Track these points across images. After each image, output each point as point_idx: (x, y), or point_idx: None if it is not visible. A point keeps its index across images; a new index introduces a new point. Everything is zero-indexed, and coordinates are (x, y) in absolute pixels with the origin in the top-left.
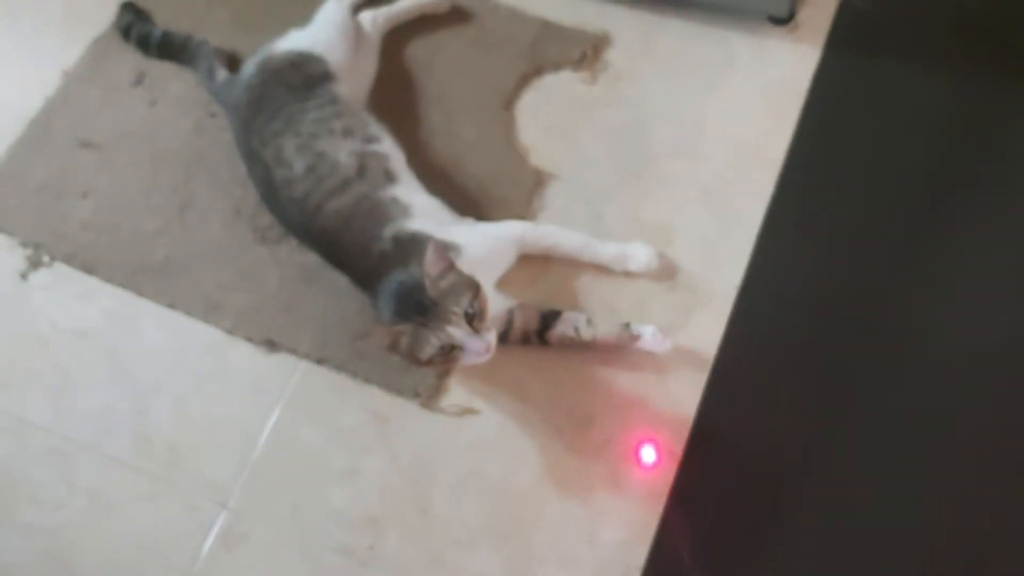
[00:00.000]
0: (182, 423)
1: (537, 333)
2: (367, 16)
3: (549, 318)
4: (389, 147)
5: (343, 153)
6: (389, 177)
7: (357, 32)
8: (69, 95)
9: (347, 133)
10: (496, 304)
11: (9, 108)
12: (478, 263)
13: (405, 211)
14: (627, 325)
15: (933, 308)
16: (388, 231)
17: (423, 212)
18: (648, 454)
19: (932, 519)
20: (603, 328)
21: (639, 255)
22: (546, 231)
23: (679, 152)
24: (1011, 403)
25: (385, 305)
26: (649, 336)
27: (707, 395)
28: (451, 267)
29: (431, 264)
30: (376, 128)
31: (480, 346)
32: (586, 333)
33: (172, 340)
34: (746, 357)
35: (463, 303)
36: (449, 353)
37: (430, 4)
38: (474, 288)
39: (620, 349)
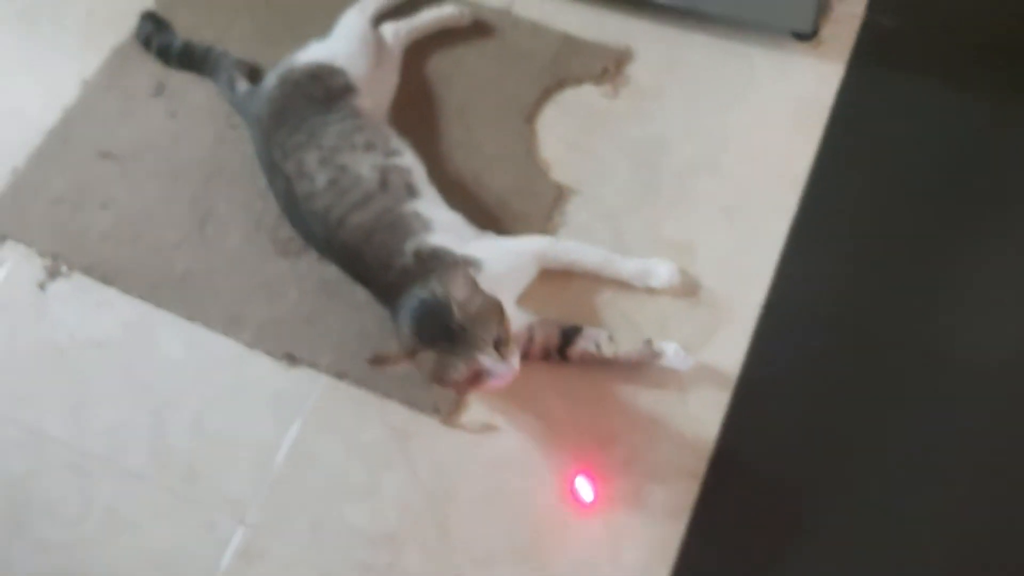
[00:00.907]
0: (200, 437)
1: (558, 349)
2: (389, 28)
3: (570, 334)
4: (411, 161)
5: (365, 167)
6: (411, 191)
7: (378, 44)
8: (88, 105)
9: (369, 147)
10: (517, 320)
11: (28, 118)
12: (499, 279)
13: (426, 225)
14: (649, 342)
15: (959, 326)
16: (409, 246)
17: (444, 227)
18: (584, 489)
19: (962, 544)
20: (625, 345)
21: (661, 271)
22: (567, 246)
23: (702, 168)
24: None
25: (405, 323)
26: (671, 353)
27: (730, 414)
28: (477, 290)
29: (459, 289)
30: (397, 141)
31: (507, 371)
32: (607, 349)
33: (191, 353)
34: (769, 375)
35: (492, 329)
36: (475, 377)
37: (451, 17)
38: (500, 312)
39: (642, 366)
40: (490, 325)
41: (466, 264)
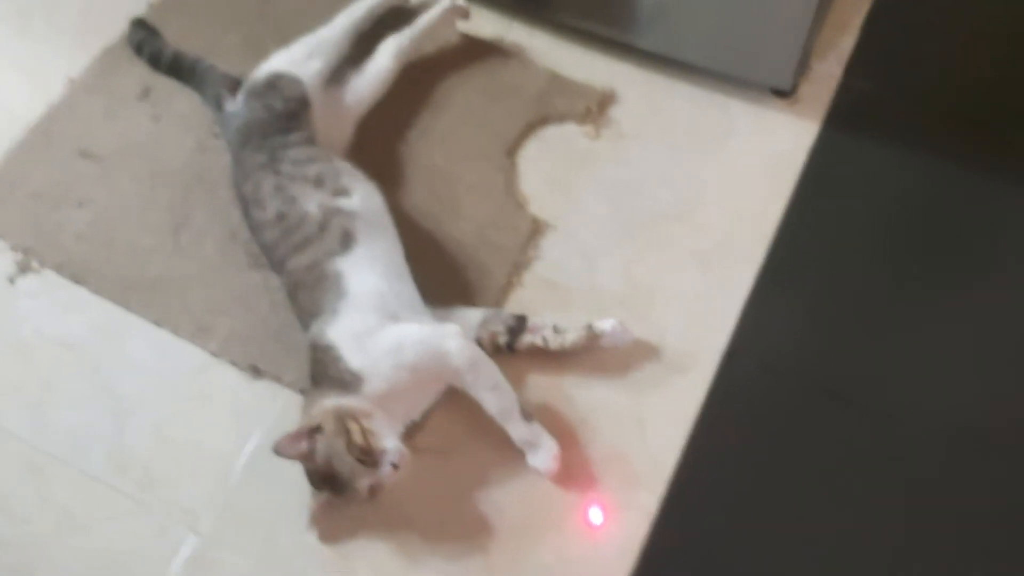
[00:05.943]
0: (159, 444)
1: (507, 345)
2: (391, 44)
3: (516, 330)
4: (357, 203)
5: (312, 204)
6: (346, 242)
7: (341, 55)
8: (73, 103)
9: (319, 182)
10: (466, 319)
11: (11, 112)
12: (382, 399)
13: (336, 303)
14: (589, 325)
15: (915, 386)
16: (312, 329)
17: (355, 305)
18: (596, 515)
19: None
20: (569, 335)
21: (541, 454)
22: (480, 374)
23: (676, 213)
24: (1003, 485)
25: None
26: (610, 330)
27: (685, 456)
28: (309, 439)
29: (296, 457)
30: (349, 178)
31: (389, 473)
32: (554, 343)
33: (157, 359)
34: (727, 421)
35: (347, 459)
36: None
37: (453, 9)
38: (345, 438)
39: (593, 361)
40: (343, 462)
41: (347, 377)
